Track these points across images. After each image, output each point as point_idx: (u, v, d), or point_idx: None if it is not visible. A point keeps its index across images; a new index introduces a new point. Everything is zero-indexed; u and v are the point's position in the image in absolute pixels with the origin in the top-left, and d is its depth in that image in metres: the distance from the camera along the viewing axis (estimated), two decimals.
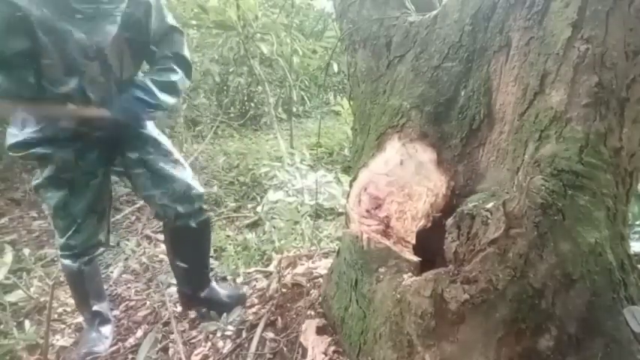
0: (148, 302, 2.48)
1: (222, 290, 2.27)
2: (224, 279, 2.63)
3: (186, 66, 1.96)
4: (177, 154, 2.08)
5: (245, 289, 2.42)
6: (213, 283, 2.28)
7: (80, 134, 1.84)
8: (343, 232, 1.70)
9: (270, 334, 1.84)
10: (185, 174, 2.05)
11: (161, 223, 2.18)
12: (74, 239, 1.96)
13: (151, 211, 2.17)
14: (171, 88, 1.91)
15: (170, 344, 2.02)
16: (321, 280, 2.06)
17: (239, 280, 2.57)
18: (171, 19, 1.94)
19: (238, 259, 2.84)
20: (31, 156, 1.82)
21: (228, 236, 3.26)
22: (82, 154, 1.88)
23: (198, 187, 2.07)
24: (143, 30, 1.85)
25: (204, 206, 2.14)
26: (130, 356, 2.04)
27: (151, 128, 2.02)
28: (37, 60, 1.68)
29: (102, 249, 2.14)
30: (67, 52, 1.69)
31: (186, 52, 1.99)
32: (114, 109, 1.82)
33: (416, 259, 1.39)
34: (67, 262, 2.03)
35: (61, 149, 1.82)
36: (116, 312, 2.42)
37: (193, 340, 1.99)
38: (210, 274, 2.34)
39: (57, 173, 1.86)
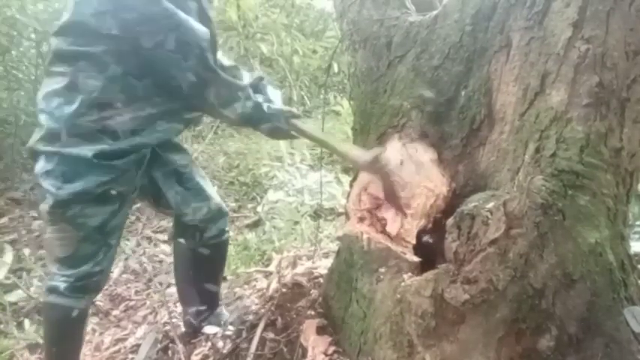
0: (147, 302, 2.48)
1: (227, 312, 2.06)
2: (224, 279, 2.63)
3: None
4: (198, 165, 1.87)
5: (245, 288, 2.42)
6: (222, 307, 2.06)
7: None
8: (343, 232, 1.70)
9: (270, 334, 1.84)
10: (213, 189, 1.85)
11: (160, 223, 2.10)
12: (100, 265, 1.57)
13: (173, 232, 1.89)
14: None
15: (170, 344, 2.02)
16: (321, 280, 2.06)
17: (239, 280, 2.57)
18: None
19: (238, 259, 2.84)
20: (114, 168, 1.48)
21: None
22: (142, 160, 1.59)
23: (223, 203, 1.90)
24: None
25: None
26: (130, 356, 2.04)
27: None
28: None
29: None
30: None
31: None
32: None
33: (416, 259, 1.39)
34: (70, 302, 1.57)
35: (130, 155, 1.52)
36: (116, 312, 2.42)
37: (193, 340, 1.99)
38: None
39: (112, 186, 1.49)
